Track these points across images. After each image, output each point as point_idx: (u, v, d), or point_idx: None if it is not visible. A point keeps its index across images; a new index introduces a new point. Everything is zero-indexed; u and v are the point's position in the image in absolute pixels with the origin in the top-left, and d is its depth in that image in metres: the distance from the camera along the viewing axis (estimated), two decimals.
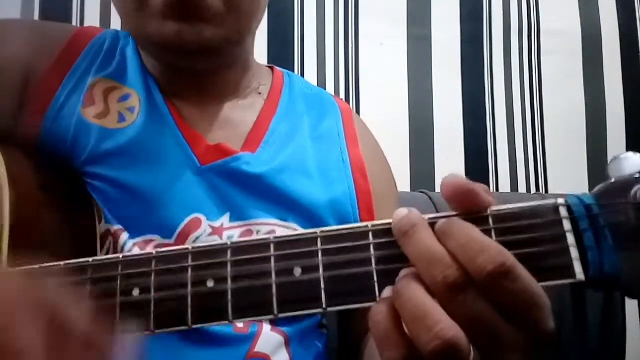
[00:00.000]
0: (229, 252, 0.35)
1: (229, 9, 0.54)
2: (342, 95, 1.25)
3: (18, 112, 0.56)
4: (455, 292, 0.30)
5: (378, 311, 0.31)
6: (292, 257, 0.34)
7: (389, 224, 0.34)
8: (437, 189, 1.23)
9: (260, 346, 0.54)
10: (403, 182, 1.23)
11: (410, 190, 1.20)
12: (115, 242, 0.53)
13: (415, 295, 0.30)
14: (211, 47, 0.55)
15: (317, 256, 0.34)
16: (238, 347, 0.53)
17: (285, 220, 0.58)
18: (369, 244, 0.34)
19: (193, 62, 0.59)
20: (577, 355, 0.86)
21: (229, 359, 0.53)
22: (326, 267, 0.33)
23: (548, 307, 0.31)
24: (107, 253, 0.52)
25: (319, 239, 0.34)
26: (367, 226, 0.34)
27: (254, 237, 0.55)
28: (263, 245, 0.35)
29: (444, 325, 0.29)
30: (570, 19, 1.33)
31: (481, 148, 1.28)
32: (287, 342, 0.57)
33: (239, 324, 0.54)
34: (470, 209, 0.33)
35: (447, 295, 0.30)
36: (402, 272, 0.32)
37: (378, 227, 0.34)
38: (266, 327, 0.56)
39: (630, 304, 1.17)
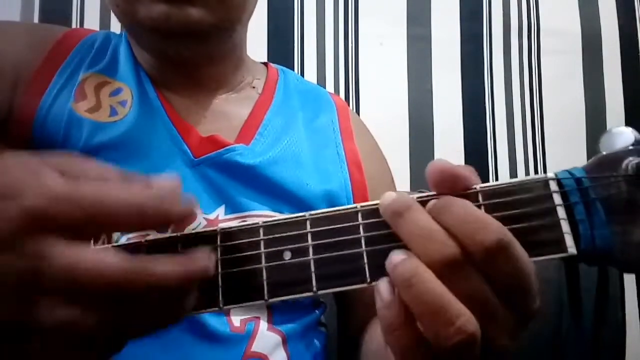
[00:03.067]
0: (218, 237, 0.34)
1: None
2: (342, 94, 1.25)
3: (8, 111, 0.55)
4: (453, 269, 0.29)
5: (386, 303, 0.31)
6: (282, 241, 0.34)
7: (376, 204, 0.33)
8: None
9: (258, 346, 0.54)
10: (403, 182, 1.23)
11: (410, 190, 1.20)
12: (109, 238, 0.53)
13: (432, 287, 0.29)
14: (199, 31, 0.55)
15: (307, 239, 0.33)
16: (235, 347, 0.53)
17: (280, 212, 0.58)
18: (358, 225, 0.33)
19: (182, 47, 0.58)
20: (575, 349, 0.85)
21: (226, 359, 0.52)
22: (316, 249, 0.33)
23: (537, 286, 0.31)
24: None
25: (308, 222, 0.34)
26: (356, 207, 0.34)
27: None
28: (252, 230, 0.34)
29: (466, 318, 0.29)
30: (570, 18, 1.33)
31: (481, 148, 1.28)
32: (285, 342, 0.57)
33: (236, 323, 0.54)
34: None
35: (444, 274, 0.29)
36: (395, 255, 0.31)
37: (367, 208, 0.34)
38: (263, 326, 0.55)
39: (630, 301, 1.17)
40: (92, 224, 0.28)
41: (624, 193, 0.32)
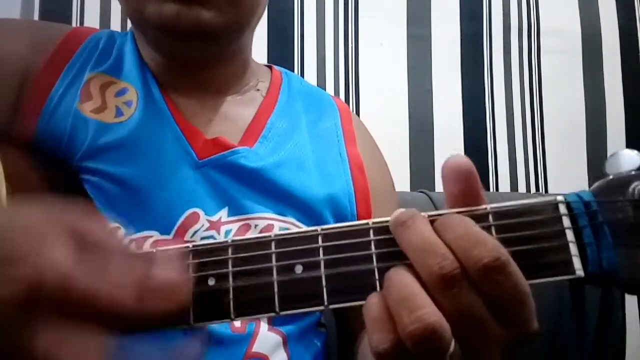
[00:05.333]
0: (229, 249, 0.34)
1: (231, 0, 0.54)
2: (342, 95, 1.25)
3: (13, 111, 0.55)
4: (449, 283, 0.30)
5: (372, 296, 0.32)
6: (293, 255, 0.34)
7: (387, 221, 0.34)
8: (437, 188, 1.24)
9: (258, 346, 0.54)
10: (403, 182, 1.23)
11: (410, 190, 1.20)
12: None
13: (403, 279, 0.31)
14: (209, 32, 0.55)
15: (319, 254, 0.34)
16: (236, 348, 0.53)
17: (283, 214, 0.58)
18: (369, 242, 0.34)
19: (190, 47, 0.58)
20: (576, 350, 0.86)
21: (227, 359, 0.52)
22: (327, 264, 0.33)
23: (533, 307, 0.31)
24: None
25: (320, 237, 0.34)
26: (367, 224, 0.34)
27: (252, 232, 0.56)
28: (264, 242, 0.34)
29: (428, 310, 0.29)
30: (570, 18, 1.33)
31: (481, 148, 1.28)
32: (286, 342, 0.57)
33: (237, 324, 0.54)
34: (469, 192, 0.33)
35: (440, 287, 0.30)
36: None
37: (379, 225, 0.34)
38: (264, 327, 0.55)
39: (630, 302, 1.18)
40: (85, 308, 0.28)
41: (631, 218, 0.33)
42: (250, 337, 0.54)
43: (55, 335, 0.27)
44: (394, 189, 0.73)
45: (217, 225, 0.55)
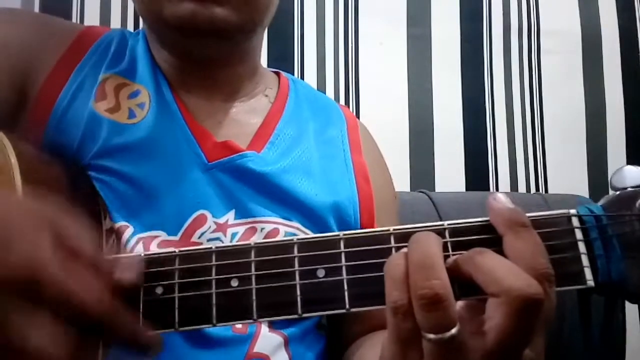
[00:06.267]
0: (252, 252, 0.35)
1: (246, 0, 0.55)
2: (342, 95, 1.25)
3: (17, 95, 0.56)
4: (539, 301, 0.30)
5: (395, 257, 0.33)
6: (316, 259, 0.35)
7: (410, 228, 0.35)
8: (437, 189, 1.24)
9: (260, 346, 0.54)
10: (403, 182, 1.23)
11: (410, 190, 1.20)
12: (119, 238, 0.53)
13: (429, 248, 0.32)
14: (224, 30, 0.56)
15: (341, 259, 0.35)
16: (237, 348, 0.53)
17: (288, 219, 0.58)
18: (390, 248, 0.35)
19: (205, 45, 0.59)
20: (581, 354, 0.86)
21: (228, 359, 0.53)
22: (349, 269, 0.34)
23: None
24: (110, 249, 0.53)
25: (342, 242, 0.35)
26: (389, 230, 0.35)
27: (257, 236, 0.56)
28: (287, 246, 0.35)
29: (441, 282, 0.30)
30: (570, 19, 1.33)
31: (481, 148, 1.28)
32: (287, 343, 0.57)
33: (238, 325, 0.54)
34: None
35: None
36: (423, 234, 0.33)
37: (399, 232, 0.35)
38: (264, 328, 0.56)
39: (630, 304, 1.18)
40: (57, 303, 0.30)
41: (638, 231, 0.35)
42: (251, 337, 0.54)
43: (27, 319, 0.29)
44: (395, 197, 0.73)
45: (224, 228, 0.56)
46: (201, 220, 0.55)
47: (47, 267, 0.29)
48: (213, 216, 0.55)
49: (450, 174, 1.25)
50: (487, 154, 1.28)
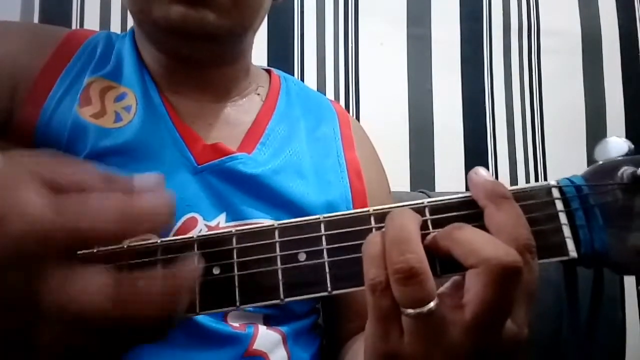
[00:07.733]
0: (234, 239, 0.35)
1: (235, 3, 0.55)
2: (342, 95, 1.25)
3: (9, 114, 0.55)
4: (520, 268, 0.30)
5: (373, 235, 0.33)
6: (297, 243, 0.35)
7: (390, 208, 0.35)
8: (437, 188, 1.24)
9: (259, 344, 0.54)
10: (403, 182, 1.23)
11: (410, 190, 1.20)
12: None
13: (404, 222, 0.32)
14: (214, 34, 0.56)
15: (322, 241, 0.34)
16: (236, 346, 0.53)
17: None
18: (371, 229, 0.34)
19: (195, 48, 0.59)
20: (570, 327, 0.87)
21: (227, 357, 0.53)
22: (330, 252, 0.34)
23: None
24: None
25: (322, 225, 0.35)
26: (368, 211, 0.35)
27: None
28: (268, 231, 0.35)
29: (416, 256, 0.30)
30: (570, 19, 1.33)
31: (481, 148, 1.28)
32: (285, 340, 0.57)
33: (236, 324, 0.54)
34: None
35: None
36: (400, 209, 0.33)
37: (379, 212, 0.35)
38: (262, 327, 0.56)
39: (630, 303, 1.18)
40: (75, 245, 0.28)
41: (620, 200, 0.34)
42: (250, 335, 0.54)
43: (55, 279, 0.26)
44: (390, 194, 0.73)
45: (215, 230, 0.55)
46: (192, 223, 0.54)
47: (44, 220, 0.26)
48: (204, 219, 0.55)
49: (450, 173, 1.26)
50: (487, 154, 1.28)
